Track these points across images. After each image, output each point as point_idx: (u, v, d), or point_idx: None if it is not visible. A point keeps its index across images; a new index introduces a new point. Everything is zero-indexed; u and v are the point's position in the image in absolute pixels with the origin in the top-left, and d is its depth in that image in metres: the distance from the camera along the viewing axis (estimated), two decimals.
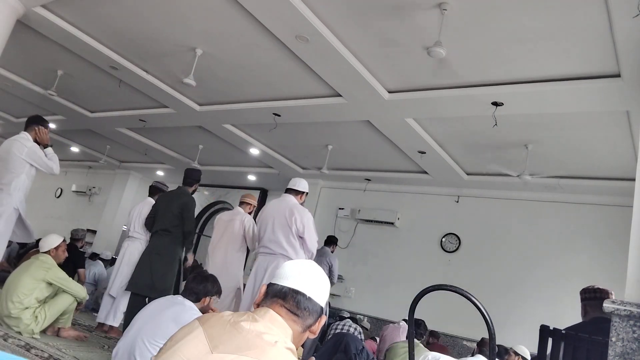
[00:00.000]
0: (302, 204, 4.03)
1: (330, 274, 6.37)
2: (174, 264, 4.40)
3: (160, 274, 4.29)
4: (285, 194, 4.05)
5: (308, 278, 1.36)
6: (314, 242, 3.89)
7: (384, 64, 4.38)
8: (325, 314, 1.46)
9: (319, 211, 8.53)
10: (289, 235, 3.81)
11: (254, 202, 5.10)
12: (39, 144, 4.24)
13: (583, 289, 2.90)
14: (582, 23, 3.28)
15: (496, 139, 5.41)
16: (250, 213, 4.99)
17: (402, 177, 7.43)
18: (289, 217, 3.81)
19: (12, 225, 4.14)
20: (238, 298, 4.59)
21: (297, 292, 1.33)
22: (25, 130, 4.27)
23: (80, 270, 5.71)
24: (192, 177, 4.78)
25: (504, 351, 4.41)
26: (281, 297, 1.33)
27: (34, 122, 4.32)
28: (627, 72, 3.55)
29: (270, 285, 1.38)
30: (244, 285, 4.26)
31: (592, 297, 2.76)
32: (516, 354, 4.50)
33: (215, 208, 10.47)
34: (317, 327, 1.38)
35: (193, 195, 4.68)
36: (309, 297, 1.33)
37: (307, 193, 4.15)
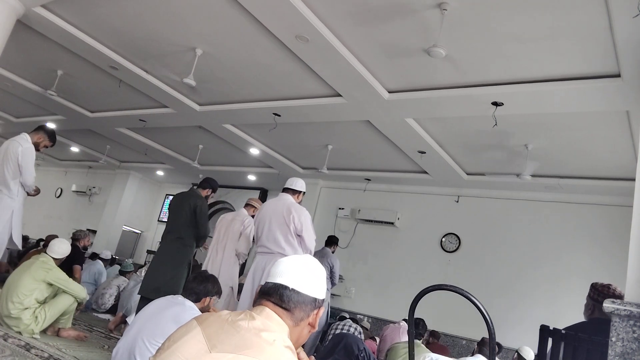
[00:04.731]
0: (299, 203, 4.03)
1: (331, 275, 6.35)
2: (183, 268, 4.43)
3: (168, 278, 4.31)
4: (283, 193, 4.05)
5: (294, 271, 1.37)
6: (312, 240, 3.88)
7: (384, 64, 4.37)
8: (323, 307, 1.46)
9: (319, 211, 8.53)
10: (287, 234, 3.80)
11: (259, 206, 5.09)
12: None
13: (595, 287, 2.71)
14: (582, 23, 3.28)
15: (496, 139, 5.41)
16: (253, 216, 5.00)
17: (402, 177, 7.43)
18: (287, 215, 3.81)
19: (9, 228, 4.14)
20: (231, 297, 4.61)
21: (279, 286, 1.34)
22: (31, 132, 4.27)
23: (75, 267, 5.67)
24: (209, 183, 4.84)
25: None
26: (266, 293, 1.35)
27: (44, 132, 4.32)
28: (627, 72, 3.55)
29: (263, 285, 1.40)
30: (241, 285, 4.26)
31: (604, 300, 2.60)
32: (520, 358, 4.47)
33: (215, 208, 10.48)
34: (315, 320, 1.38)
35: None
36: (293, 289, 1.34)
37: (304, 192, 4.15)
